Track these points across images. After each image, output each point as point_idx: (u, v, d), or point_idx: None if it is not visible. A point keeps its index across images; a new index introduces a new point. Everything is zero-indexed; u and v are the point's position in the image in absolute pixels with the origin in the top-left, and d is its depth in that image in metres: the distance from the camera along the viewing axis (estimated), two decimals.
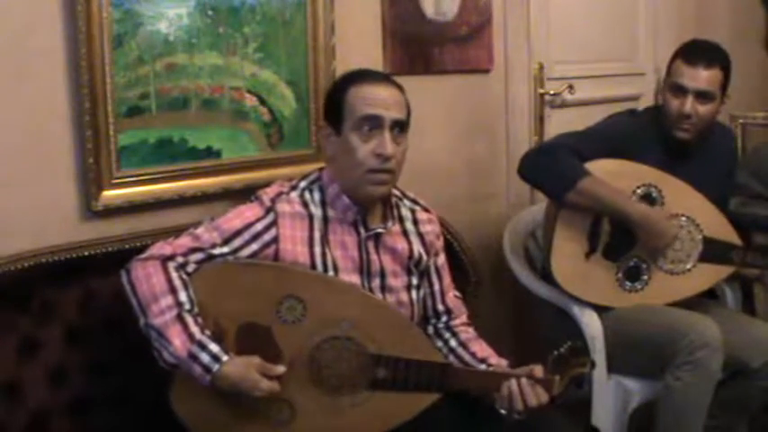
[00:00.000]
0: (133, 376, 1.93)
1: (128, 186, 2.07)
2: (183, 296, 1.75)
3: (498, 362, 1.96)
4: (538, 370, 1.79)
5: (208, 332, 1.73)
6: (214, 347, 1.71)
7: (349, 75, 1.93)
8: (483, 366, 1.95)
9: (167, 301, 1.73)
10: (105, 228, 2.04)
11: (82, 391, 1.91)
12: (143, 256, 1.81)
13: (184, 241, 1.82)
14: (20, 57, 1.90)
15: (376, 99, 1.84)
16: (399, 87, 1.91)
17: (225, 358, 1.70)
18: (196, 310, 1.75)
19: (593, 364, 1.84)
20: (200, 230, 1.84)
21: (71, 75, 1.97)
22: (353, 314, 1.79)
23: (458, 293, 2.11)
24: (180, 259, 1.79)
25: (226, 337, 1.77)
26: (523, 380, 1.78)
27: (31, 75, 1.92)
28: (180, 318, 1.72)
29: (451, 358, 1.99)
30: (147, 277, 1.76)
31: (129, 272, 1.79)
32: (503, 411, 1.81)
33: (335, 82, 1.99)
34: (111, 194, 2.04)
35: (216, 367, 1.69)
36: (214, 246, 1.82)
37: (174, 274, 1.77)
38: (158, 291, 1.74)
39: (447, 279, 2.08)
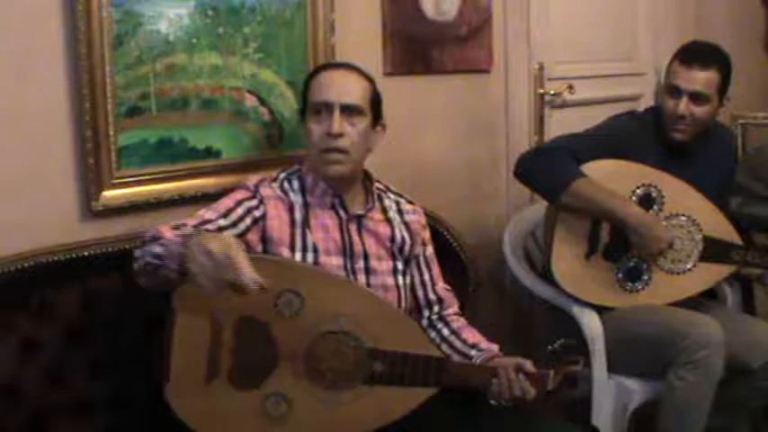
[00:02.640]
0: (133, 376, 1.93)
1: (128, 186, 2.07)
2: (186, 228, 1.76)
3: (489, 347, 1.99)
4: (528, 364, 1.81)
5: None
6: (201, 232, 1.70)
7: (314, 68, 2.07)
8: (474, 352, 1.97)
9: (170, 228, 1.75)
10: (105, 228, 2.04)
11: (82, 391, 1.91)
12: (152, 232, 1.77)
13: (188, 220, 1.85)
14: (20, 57, 1.90)
15: (328, 85, 1.93)
16: (362, 74, 1.98)
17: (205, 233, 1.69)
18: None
19: (585, 363, 1.85)
20: (199, 212, 1.89)
21: (71, 75, 1.97)
22: (351, 309, 1.80)
23: (447, 286, 2.13)
24: (190, 229, 1.78)
25: (223, 330, 1.77)
26: (510, 370, 1.80)
27: (31, 75, 1.92)
28: (177, 227, 1.75)
29: (444, 347, 2.01)
30: (158, 230, 1.76)
31: (150, 239, 1.75)
32: (492, 402, 1.84)
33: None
34: (111, 194, 2.04)
35: (193, 233, 1.66)
36: (218, 218, 1.86)
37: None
38: (164, 229, 1.75)
39: (436, 269, 2.11)
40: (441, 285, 2.11)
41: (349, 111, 1.92)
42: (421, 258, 2.07)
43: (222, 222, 1.86)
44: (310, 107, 1.95)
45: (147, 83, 2.08)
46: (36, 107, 1.93)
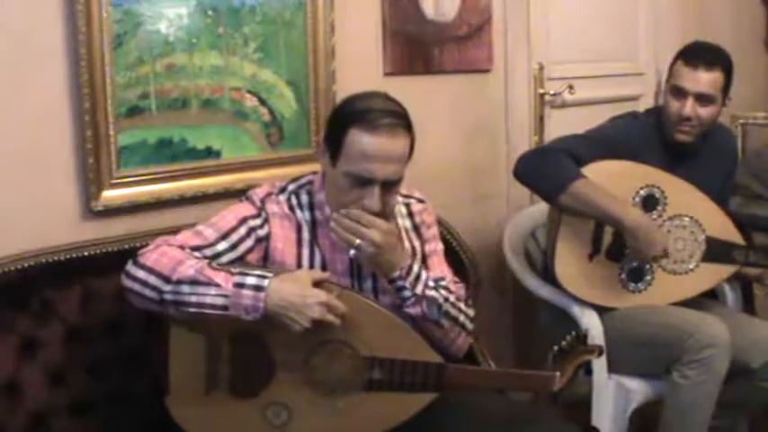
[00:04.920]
0: (133, 376, 1.93)
1: (128, 186, 2.07)
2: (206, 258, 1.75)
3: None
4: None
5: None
6: (255, 271, 1.70)
7: (353, 110, 1.82)
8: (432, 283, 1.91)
9: (192, 261, 1.72)
10: (105, 228, 2.04)
11: (81, 391, 1.91)
12: (148, 248, 1.77)
13: (187, 236, 1.81)
14: (20, 57, 1.90)
15: (373, 156, 1.76)
16: (405, 129, 1.81)
17: (270, 274, 1.70)
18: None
19: (600, 351, 1.83)
20: (199, 227, 1.83)
21: (71, 75, 1.97)
22: (347, 317, 1.77)
23: (455, 278, 2.06)
24: (188, 251, 1.77)
25: (219, 340, 1.76)
26: None
27: (31, 75, 1.92)
28: (211, 265, 1.72)
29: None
30: (162, 254, 1.74)
31: (138, 261, 1.74)
32: None
33: (339, 109, 1.88)
34: (111, 194, 2.05)
35: (266, 282, 1.68)
36: (216, 242, 1.80)
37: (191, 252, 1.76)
38: (181, 257, 1.73)
39: (439, 268, 2.03)
40: (449, 280, 2.04)
41: (390, 184, 1.81)
42: (420, 257, 2.02)
43: (221, 247, 1.80)
44: (347, 171, 1.79)
45: (147, 83, 2.08)
46: (36, 107, 1.93)
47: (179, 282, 1.70)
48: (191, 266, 1.71)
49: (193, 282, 1.69)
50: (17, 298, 1.85)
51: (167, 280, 1.70)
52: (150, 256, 1.74)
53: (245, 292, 1.68)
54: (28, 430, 1.83)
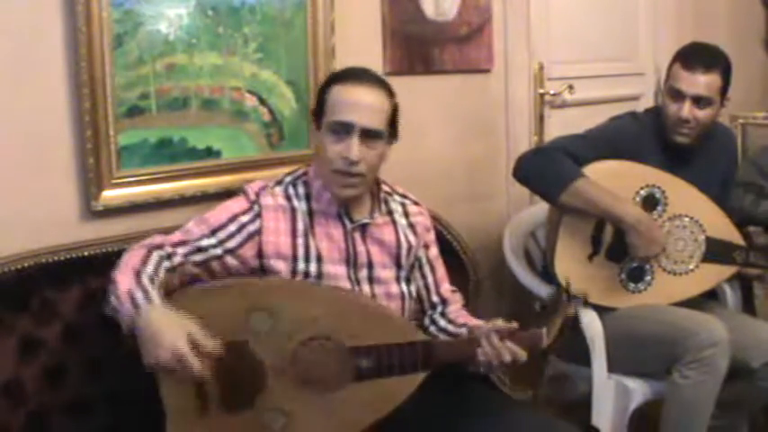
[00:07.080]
0: (132, 376, 1.92)
1: (128, 186, 2.08)
2: (149, 268, 1.75)
3: (476, 323, 1.98)
4: (505, 324, 1.79)
5: (157, 290, 1.73)
6: (154, 293, 1.70)
7: (337, 72, 1.96)
8: (463, 330, 1.97)
9: (136, 261, 1.76)
10: (105, 228, 2.04)
11: (81, 390, 1.91)
12: (137, 244, 1.83)
13: (174, 234, 1.86)
14: (20, 57, 1.90)
15: (352, 104, 1.85)
16: (385, 90, 1.90)
17: (158, 302, 1.68)
18: (156, 282, 1.75)
19: (576, 307, 1.84)
20: (190, 225, 1.87)
21: (71, 75, 1.97)
22: (324, 311, 1.78)
23: (453, 287, 2.11)
24: (168, 249, 1.81)
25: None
26: (493, 337, 1.78)
27: (31, 75, 1.92)
28: (137, 273, 1.73)
29: (442, 337, 2.00)
30: (130, 256, 1.78)
31: (122, 255, 1.81)
32: (482, 371, 1.83)
33: (324, 80, 1.99)
34: (111, 194, 2.05)
35: (145, 305, 1.67)
36: (202, 237, 1.84)
37: (154, 258, 1.78)
38: (132, 262, 1.76)
39: (441, 271, 2.09)
40: (445, 287, 2.09)
41: (368, 134, 1.85)
42: (423, 261, 2.05)
43: (204, 243, 1.84)
44: (328, 123, 1.87)
45: (147, 83, 2.08)
46: (36, 107, 1.94)
47: (109, 279, 1.75)
48: (128, 269, 1.74)
49: (113, 280, 1.73)
50: (17, 298, 1.85)
51: (113, 273, 1.76)
52: (127, 253, 1.80)
53: (128, 303, 1.69)
54: (28, 430, 1.83)
